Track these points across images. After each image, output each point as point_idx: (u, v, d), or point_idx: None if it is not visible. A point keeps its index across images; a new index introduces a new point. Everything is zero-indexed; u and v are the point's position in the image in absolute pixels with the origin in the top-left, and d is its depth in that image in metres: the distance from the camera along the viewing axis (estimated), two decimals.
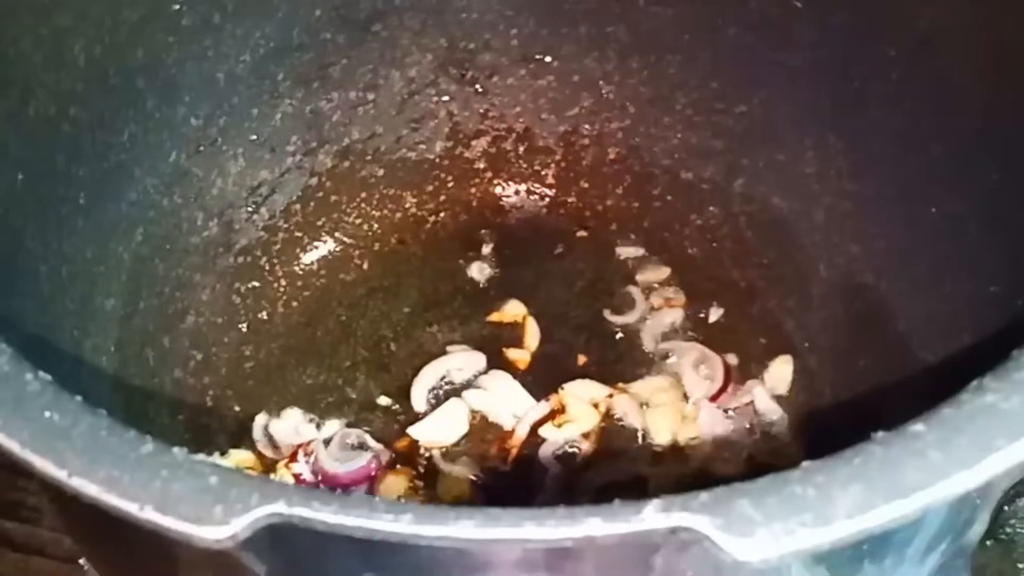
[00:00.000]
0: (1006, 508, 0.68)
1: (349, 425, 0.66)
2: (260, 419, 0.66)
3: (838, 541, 0.29)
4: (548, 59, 0.73)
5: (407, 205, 0.76)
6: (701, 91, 0.70)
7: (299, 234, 0.74)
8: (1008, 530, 0.66)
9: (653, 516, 0.29)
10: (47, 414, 0.32)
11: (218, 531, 0.29)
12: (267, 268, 0.72)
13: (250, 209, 0.71)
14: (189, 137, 0.65)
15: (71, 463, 0.31)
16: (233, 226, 0.70)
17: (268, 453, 0.65)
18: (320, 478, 0.63)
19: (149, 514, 0.30)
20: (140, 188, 0.62)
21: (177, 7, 0.61)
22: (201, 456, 0.31)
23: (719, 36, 0.67)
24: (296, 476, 0.63)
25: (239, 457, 0.64)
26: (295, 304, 0.72)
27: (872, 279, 0.64)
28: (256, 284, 0.72)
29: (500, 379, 0.67)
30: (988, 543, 0.66)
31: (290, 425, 0.65)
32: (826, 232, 0.66)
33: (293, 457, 0.64)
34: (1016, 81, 0.51)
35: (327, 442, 0.65)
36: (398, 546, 0.30)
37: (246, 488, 0.30)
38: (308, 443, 0.64)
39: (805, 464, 0.31)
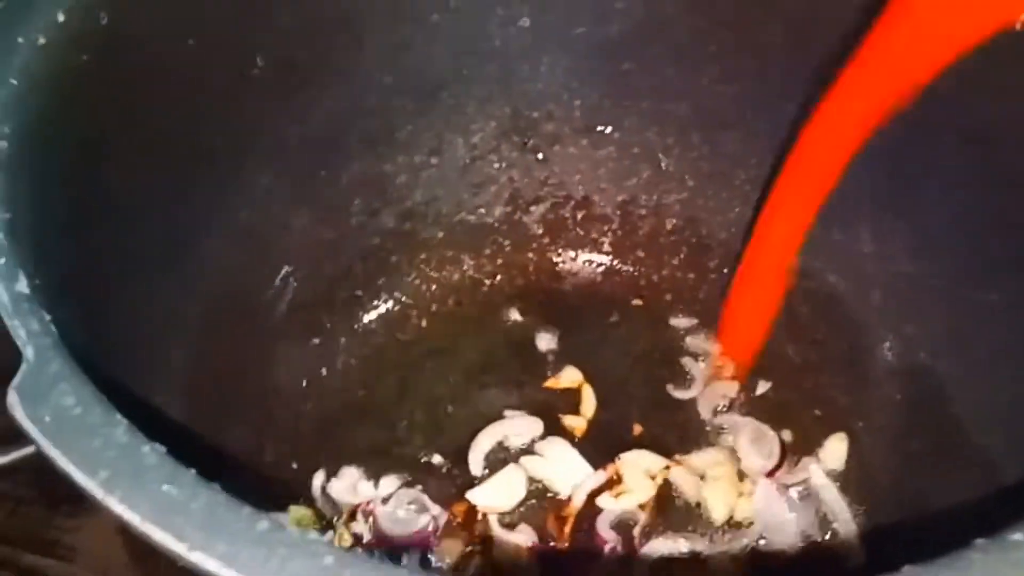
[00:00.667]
0: None
1: (406, 485, 0.67)
2: (318, 476, 0.67)
3: None
4: (609, 130, 0.75)
5: (465, 267, 0.78)
6: (760, 167, 0.71)
7: (359, 293, 0.75)
8: None
9: None
10: (165, 487, 0.33)
11: None
12: (328, 325, 0.73)
13: (313, 267, 0.72)
14: (258, 196, 0.66)
15: (191, 537, 0.32)
16: (296, 284, 0.71)
17: (326, 511, 0.65)
18: (378, 539, 0.64)
19: None
20: (211, 245, 0.63)
21: (256, 71, 0.62)
22: (315, 535, 0.32)
23: (779, 114, 0.68)
24: (355, 536, 0.64)
25: (298, 513, 0.65)
26: (353, 362, 0.73)
27: (929, 360, 0.64)
28: (316, 341, 0.73)
29: (557, 445, 0.68)
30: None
31: (348, 483, 0.66)
32: (882, 311, 0.67)
33: (352, 515, 0.64)
34: None
35: (385, 500, 0.65)
36: None
37: (360, 569, 0.31)
38: (367, 503, 0.65)
39: (906, 570, 0.31)
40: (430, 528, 0.64)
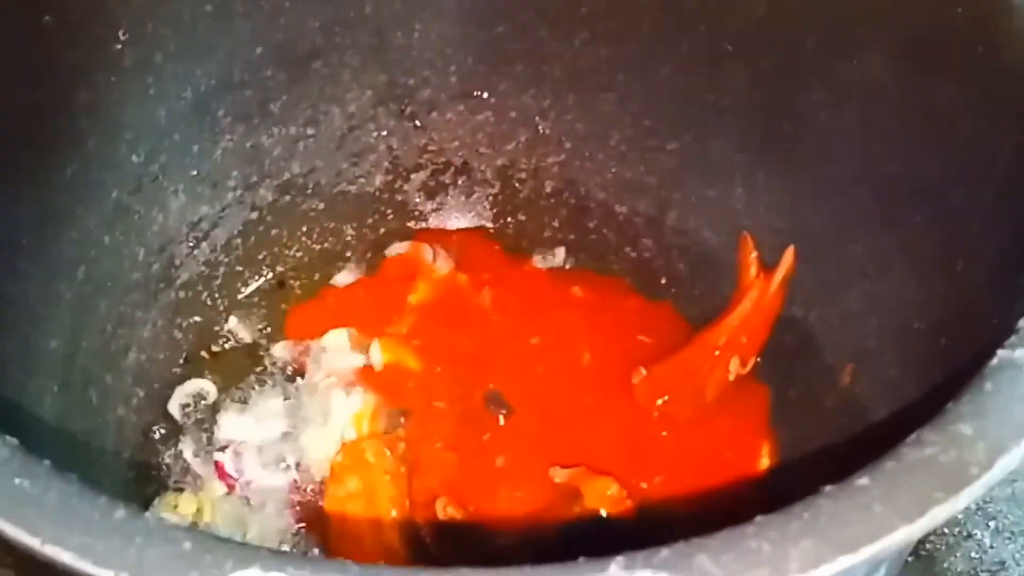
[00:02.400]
0: None
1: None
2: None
3: None
4: (486, 95, 0.75)
5: (347, 238, 0.77)
6: (634, 128, 0.72)
7: (240, 268, 0.74)
8: (928, 547, 0.69)
9: (618, 573, 0.30)
10: (17, 480, 0.32)
11: None
12: (208, 303, 0.72)
13: (191, 244, 0.71)
14: (130, 174, 0.65)
15: (44, 531, 0.31)
16: (174, 261, 0.70)
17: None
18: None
19: None
20: (81, 227, 0.62)
21: (119, 47, 0.61)
22: (174, 520, 0.32)
23: (652, 76, 0.69)
24: (218, 464, 0.65)
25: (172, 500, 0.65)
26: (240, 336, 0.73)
27: (800, 312, 0.66)
28: (198, 319, 0.72)
29: None
30: (909, 559, 0.69)
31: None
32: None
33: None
34: (937, 131, 0.53)
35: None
36: None
37: (220, 553, 0.31)
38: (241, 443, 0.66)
39: (759, 519, 0.32)
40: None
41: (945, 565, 0.69)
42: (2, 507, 0.31)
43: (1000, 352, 0.37)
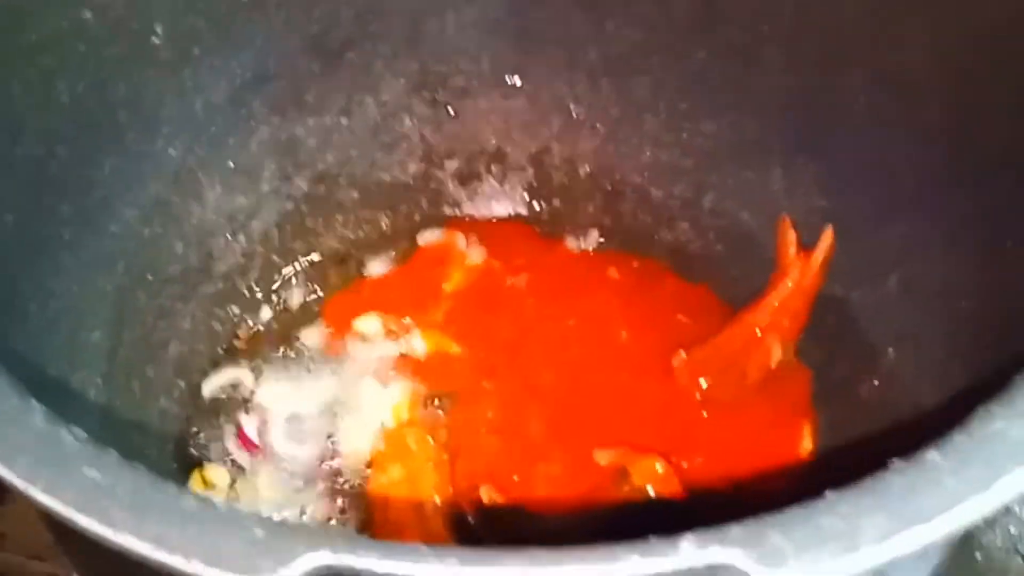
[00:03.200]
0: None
1: None
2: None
3: (864, 568, 0.31)
4: (518, 82, 0.75)
5: (383, 226, 0.77)
6: (669, 111, 0.72)
7: (276, 258, 0.74)
8: None
9: (690, 551, 0.30)
10: (88, 472, 0.32)
11: None
12: (246, 293, 0.73)
13: (228, 236, 0.71)
14: (167, 168, 0.65)
15: (117, 520, 0.31)
16: (212, 253, 0.70)
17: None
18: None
19: (197, 568, 0.30)
20: (121, 220, 0.63)
21: (156, 41, 0.61)
22: (242, 508, 0.32)
23: (687, 60, 0.69)
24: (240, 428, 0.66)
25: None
26: (275, 327, 0.73)
27: (842, 292, 0.66)
28: (236, 309, 0.72)
29: None
30: None
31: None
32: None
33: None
34: (979, 120, 0.53)
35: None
36: None
37: (291, 539, 0.31)
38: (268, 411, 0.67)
39: (829, 495, 0.32)
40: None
41: (984, 541, 0.69)
42: (76, 498, 0.32)
43: None
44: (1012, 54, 0.51)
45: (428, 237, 0.77)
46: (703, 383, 0.67)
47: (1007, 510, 0.70)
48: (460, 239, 0.75)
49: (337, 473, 0.66)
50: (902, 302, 0.61)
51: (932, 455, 0.33)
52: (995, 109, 0.53)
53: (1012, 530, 0.69)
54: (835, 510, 0.32)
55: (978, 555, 0.68)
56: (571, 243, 0.77)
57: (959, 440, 0.33)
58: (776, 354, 0.66)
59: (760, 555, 0.30)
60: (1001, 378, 0.36)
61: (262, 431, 0.66)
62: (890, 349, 0.62)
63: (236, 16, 0.65)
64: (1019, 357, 0.36)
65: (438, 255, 0.75)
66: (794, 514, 0.32)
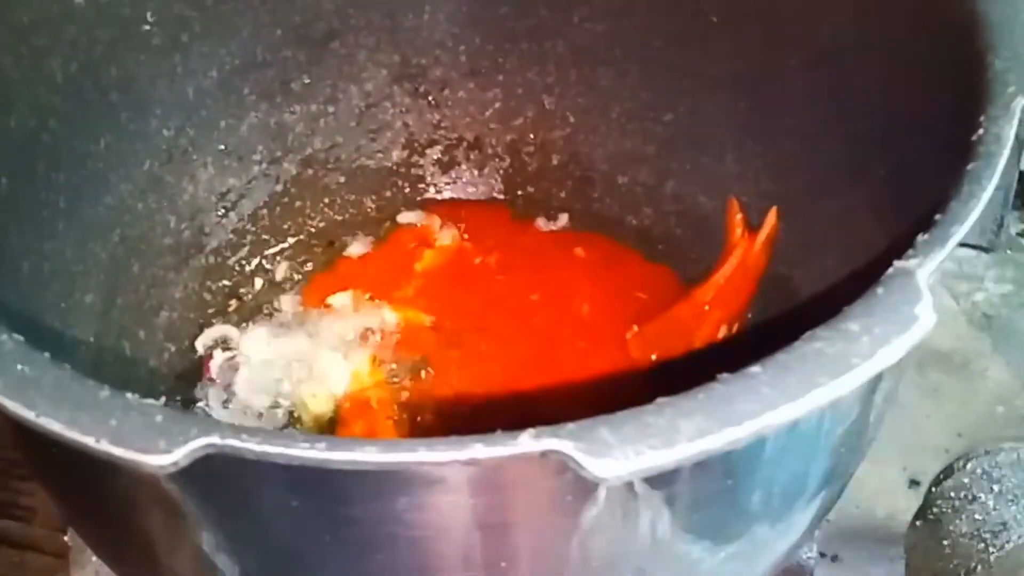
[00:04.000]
0: (933, 490, 0.73)
1: None
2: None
3: (681, 460, 0.35)
4: (494, 73, 0.79)
5: (367, 209, 0.82)
6: (633, 101, 0.76)
7: (266, 236, 0.80)
8: (935, 510, 0.72)
9: (528, 442, 0.35)
10: (19, 367, 0.38)
11: (162, 459, 0.35)
12: (236, 268, 0.78)
13: (220, 213, 0.76)
14: (161, 147, 0.71)
15: (39, 405, 0.36)
16: (204, 229, 0.76)
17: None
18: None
19: (105, 446, 0.35)
20: (116, 193, 0.67)
21: (147, 28, 0.66)
22: (149, 400, 0.37)
23: (646, 49, 0.73)
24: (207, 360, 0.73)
25: None
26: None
27: (786, 270, 0.69)
28: (226, 282, 0.77)
29: None
30: (918, 523, 0.72)
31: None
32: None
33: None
34: (891, 87, 0.57)
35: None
36: (314, 472, 0.35)
37: (186, 424, 0.35)
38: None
39: (659, 400, 0.36)
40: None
41: (951, 527, 0.71)
42: (7, 387, 0.37)
43: (896, 263, 0.40)
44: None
45: (407, 218, 0.81)
46: (653, 355, 0.71)
47: (973, 498, 0.72)
48: (435, 221, 0.80)
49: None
50: (837, 276, 0.64)
51: (755, 369, 0.37)
52: (910, 73, 0.56)
53: (977, 516, 0.72)
54: (660, 412, 0.35)
55: (945, 543, 0.71)
56: (542, 225, 0.81)
57: (781, 357, 0.37)
58: (722, 328, 0.70)
59: (587, 446, 0.35)
60: None
61: (226, 369, 0.71)
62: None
63: (222, 6, 0.70)
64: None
65: (413, 236, 0.80)
66: (624, 415, 0.36)
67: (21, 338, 0.39)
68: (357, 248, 0.80)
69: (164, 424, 0.36)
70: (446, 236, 0.80)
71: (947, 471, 0.72)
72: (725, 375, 0.37)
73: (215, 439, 0.35)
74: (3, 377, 0.37)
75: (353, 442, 0.35)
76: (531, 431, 0.35)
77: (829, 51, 0.63)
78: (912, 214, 0.54)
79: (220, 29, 0.71)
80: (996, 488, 0.72)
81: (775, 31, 0.66)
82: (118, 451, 0.35)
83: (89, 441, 0.35)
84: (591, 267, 0.77)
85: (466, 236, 0.80)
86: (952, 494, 0.72)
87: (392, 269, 0.78)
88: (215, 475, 0.37)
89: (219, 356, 0.73)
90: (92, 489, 0.45)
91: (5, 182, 0.56)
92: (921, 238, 0.41)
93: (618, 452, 0.34)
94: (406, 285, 0.76)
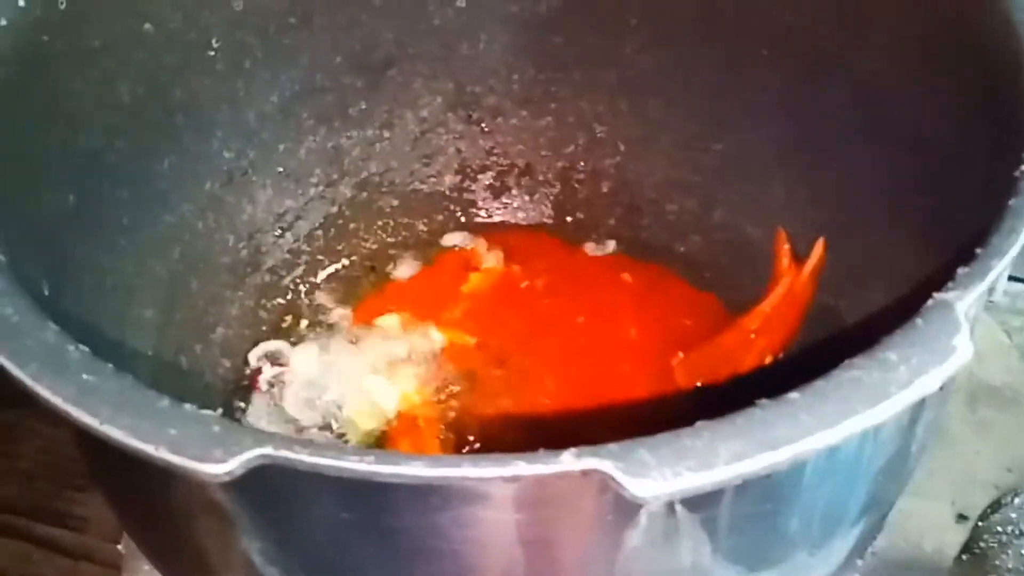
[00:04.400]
0: (980, 524, 0.73)
1: None
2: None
3: (718, 483, 0.36)
4: (546, 102, 0.81)
5: (419, 231, 0.84)
6: (681, 131, 0.77)
7: (320, 257, 0.81)
8: (982, 545, 0.72)
9: (569, 460, 0.36)
10: (84, 376, 0.39)
11: (217, 468, 0.36)
12: (291, 287, 0.80)
13: (277, 233, 0.79)
14: (222, 168, 0.73)
15: (102, 413, 0.38)
16: (261, 248, 0.78)
17: None
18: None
19: (163, 454, 0.36)
20: (177, 212, 0.70)
21: (212, 53, 0.69)
22: (207, 411, 0.39)
23: (695, 81, 0.74)
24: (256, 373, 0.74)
25: None
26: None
27: (832, 300, 0.70)
28: (280, 300, 0.79)
29: None
30: (964, 557, 0.72)
31: None
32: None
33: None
34: (934, 125, 0.58)
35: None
36: (362, 484, 0.37)
37: (242, 435, 0.37)
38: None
39: (698, 423, 0.37)
40: None
41: (996, 562, 0.71)
42: (72, 395, 0.39)
43: (935, 295, 0.41)
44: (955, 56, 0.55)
45: (452, 240, 0.83)
46: (699, 382, 0.71)
47: (1020, 532, 0.72)
48: (482, 244, 0.82)
49: None
50: (882, 306, 0.65)
51: (793, 395, 0.38)
52: (951, 109, 0.57)
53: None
54: (699, 435, 0.36)
55: None
56: (589, 250, 0.82)
57: (819, 385, 0.38)
58: (767, 357, 0.70)
59: (627, 466, 0.36)
60: None
61: (275, 384, 0.73)
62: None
63: (284, 34, 0.72)
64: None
65: (459, 259, 0.82)
66: (664, 437, 0.37)
67: (86, 349, 0.41)
68: (405, 270, 0.82)
69: (220, 434, 0.37)
70: (492, 259, 0.82)
71: (995, 506, 0.72)
72: (764, 400, 0.38)
73: (268, 450, 0.37)
74: (69, 386, 0.39)
75: (401, 456, 0.36)
76: (573, 450, 0.36)
77: (871, 85, 0.63)
78: (954, 247, 0.55)
79: (282, 56, 0.73)
80: None
81: (819, 65, 0.66)
82: (176, 459, 0.37)
83: (149, 449, 0.37)
84: (637, 292, 0.78)
85: (513, 259, 0.82)
86: (999, 529, 0.72)
87: (439, 291, 0.79)
88: (267, 485, 0.38)
89: (268, 371, 0.75)
90: (148, 496, 0.46)
91: (72, 199, 0.59)
92: (961, 271, 0.42)
93: (657, 473, 0.35)
94: (453, 307, 0.78)
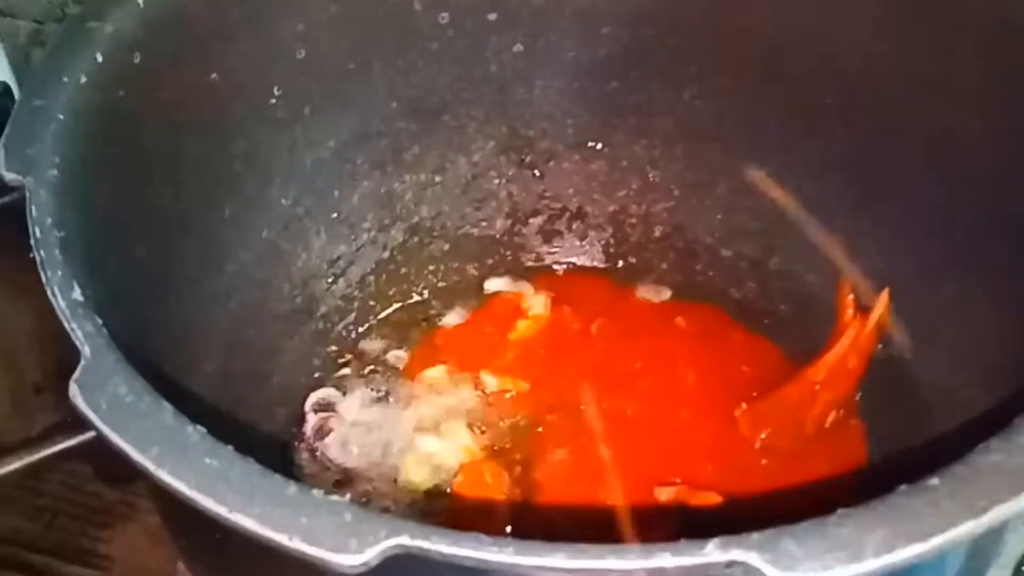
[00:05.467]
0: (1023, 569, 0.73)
1: None
2: None
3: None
4: (600, 146, 0.80)
5: (470, 276, 0.83)
6: (740, 177, 0.76)
7: (372, 303, 0.81)
8: None
9: (714, 552, 0.35)
10: (207, 460, 0.38)
11: (353, 559, 0.35)
12: (343, 333, 0.79)
13: (330, 280, 0.78)
14: (279, 215, 0.72)
15: (231, 501, 0.37)
16: (315, 295, 0.77)
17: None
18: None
19: (297, 544, 0.36)
20: (237, 261, 0.69)
21: (273, 101, 0.68)
22: (335, 497, 0.38)
23: (756, 128, 0.73)
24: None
25: None
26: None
27: (896, 351, 0.70)
28: (333, 348, 0.79)
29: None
30: None
31: None
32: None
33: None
34: (1012, 166, 0.58)
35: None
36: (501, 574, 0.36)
37: (376, 523, 0.36)
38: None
39: (840, 511, 0.37)
40: None
41: None
42: (197, 481, 0.38)
43: None
44: None
45: (495, 285, 0.83)
46: (763, 433, 0.71)
47: None
48: (528, 288, 0.82)
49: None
50: (951, 357, 0.65)
51: (934, 481, 0.37)
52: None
53: None
54: (844, 524, 0.36)
55: None
56: (642, 294, 0.82)
57: (959, 470, 0.38)
58: (831, 410, 0.70)
59: (774, 557, 0.35)
60: None
61: (319, 430, 0.73)
62: (938, 406, 0.65)
63: (343, 80, 0.71)
64: None
65: (507, 305, 0.81)
66: (808, 526, 0.36)
67: (204, 429, 0.40)
68: (453, 318, 0.81)
69: (353, 523, 0.36)
70: (539, 303, 0.81)
71: None
72: (903, 487, 0.37)
73: (405, 539, 0.36)
74: (193, 471, 0.38)
75: (542, 547, 0.36)
76: (716, 541, 0.35)
77: (948, 136, 0.63)
78: None
79: (339, 102, 0.72)
80: None
81: (891, 116, 0.66)
82: (311, 550, 0.36)
83: (282, 539, 0.36)
84: (693, 338, 0.77)
85: (562, 303, 0.81)
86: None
87: (487, 339, 0.79)
88: (400, 573, 0.37)
89: (312, 418, 0.74)
90: None
91: (142, 253, 0.58)
92: None
93: (805, 565, 0.35)
94: (503, 354, 0.77)
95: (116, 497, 0.81)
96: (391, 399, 0.76)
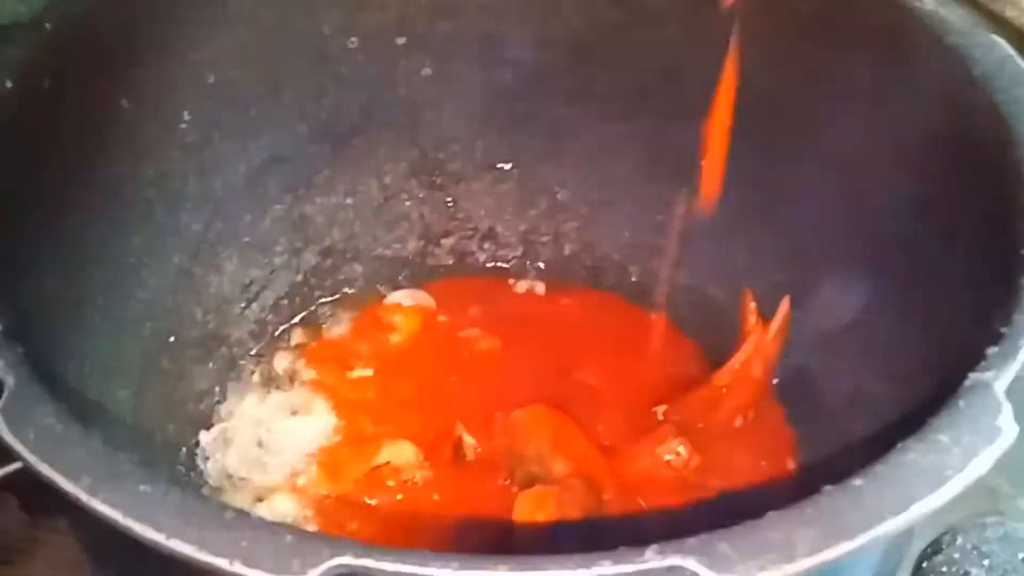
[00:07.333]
0: (924, 564, 0.75)
1: None
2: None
3: (800, 574, 0.37)
4: (509, 167, 0.82)
5: (381, 295, 0.83)
6: (646, 195, 0.78)
7: (284, 327, 0.80)
8: None
9: (654, 558, 0.36)
10: (142, 487, 0.38)
11: None
12: (256, 357, 0.79)
13: (243, 305, 0.77)
14: (190, 241, 0.72)
15: (168, 527, 0.37)
16: (228, 320, 0.76)
17: None
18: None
19: (238, 568, 0.36)
20: (148, 287, 0.68)
21: (183, 126, 0.68)
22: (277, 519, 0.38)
23: (660, 147, 0.75)
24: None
25: None
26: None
27: (801, 360, 0.72)
28: (252, 369, 0.78)
29: None
30: None
31: None
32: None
33: None
34: (912, 193, 0.60)
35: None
36: None
37: (318, 544, 0.36)
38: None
39: (771, 513, 0.38)
40: None
41: None
42: (132, 509, 0.37)
43: (972, 375, 0.43)
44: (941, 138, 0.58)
45: (398, 297, 0.83)
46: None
47: (965, 572, 0.74)
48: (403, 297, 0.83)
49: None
50: (855, 365, 0.67)
51: (857, 481, 0.39)
52: (924, 184, 0.59)
53: None
54: (776, 526, 0.37)
55: None
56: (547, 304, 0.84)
57: (880, 470, 0.39)
58: (738, 414, 0.72)
59: (711, 561, 0.36)
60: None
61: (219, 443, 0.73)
62: (845, 409, 0.67)
63: (254, 105, 0.71)
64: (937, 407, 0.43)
65: (388, 311, 0.82)
66: (742, 529, 0.37)
67: (136, 457, 0.40)
68: (338, 328, 0.82)
69: (294, 544, 0.36)
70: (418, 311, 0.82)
71: (935, 546, 0.74)
72: (828, 487, 0.39)
73: (348, 559, 0.36)
74: (129, 500, 0.38)
75: (485, 560, 0.36)
76: (655, 547, 0.36)
77: (844, 156, 0.65)
78: (940, 318, 0.57)
79: (249, 126, 0.72)
80: (986, 563, 0.74)
81: (792, 137, 0.68)
82: (253, 573, 0.36)
83: (222, 563, 0.36)
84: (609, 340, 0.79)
85: (443, 308, 0.82)
86: (944, 568, 0.74)
87: (366, 342, 0.79)
88: None
89: (205, 435, 0.74)
90: None
91: (52, 283, 0.57)
92: (992, 350, 0.44)
93: (741, 567, 0.36)
94: (385, 358, 0.78)
95: (19, 532, 0.78)
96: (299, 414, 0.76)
